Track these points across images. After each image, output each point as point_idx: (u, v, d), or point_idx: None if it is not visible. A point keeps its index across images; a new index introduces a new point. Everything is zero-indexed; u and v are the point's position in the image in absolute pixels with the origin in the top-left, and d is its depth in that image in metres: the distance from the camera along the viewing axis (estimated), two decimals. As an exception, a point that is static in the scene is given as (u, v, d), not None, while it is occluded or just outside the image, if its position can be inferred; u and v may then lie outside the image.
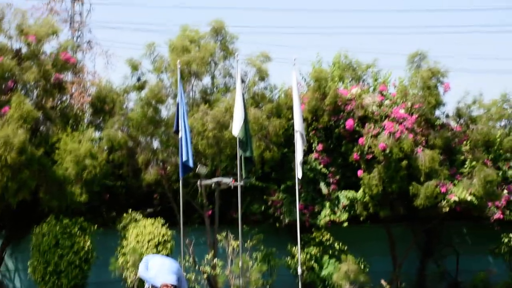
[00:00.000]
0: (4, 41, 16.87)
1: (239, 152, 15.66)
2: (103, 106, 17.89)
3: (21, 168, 15.51)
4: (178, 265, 6.00)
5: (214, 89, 18.28)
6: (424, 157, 17.62)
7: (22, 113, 15.73)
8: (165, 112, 17.89)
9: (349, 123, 18.23)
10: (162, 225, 16.79)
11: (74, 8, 22.94)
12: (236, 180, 16.03)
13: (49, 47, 17.32)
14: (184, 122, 15.55)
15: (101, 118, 18.13)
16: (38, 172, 16.03)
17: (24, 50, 17.08)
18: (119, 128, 17.38)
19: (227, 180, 16.41)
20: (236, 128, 15.49)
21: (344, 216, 18.49)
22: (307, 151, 18.53)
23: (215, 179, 16.70)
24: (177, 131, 15.68)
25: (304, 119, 17.47)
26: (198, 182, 16.84)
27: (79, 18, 22.88)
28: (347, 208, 18.55)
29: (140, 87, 18.00)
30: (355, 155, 18.19)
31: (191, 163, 15.52)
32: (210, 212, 18.11)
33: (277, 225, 18.53)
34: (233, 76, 17.96)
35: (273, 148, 17.71)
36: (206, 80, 18.22)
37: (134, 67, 17.88)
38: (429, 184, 17.59)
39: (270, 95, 18.73)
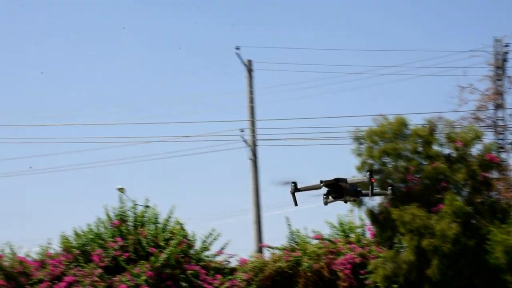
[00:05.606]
0: (436, 149, 19.89)
1: None
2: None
3: (455, 257, 17.68)
4: None
5: None
6: None
7: (454, 209, 18.10)
8: None
9: None
10: None
11: (497, 114, 25.16)
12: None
13: (475, 150, 19.79)
14: None
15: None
16: (472, 261, 17.96)
17: (453, 154, 19.78)
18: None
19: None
20: None
21: None
22: None
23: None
24: None
25: None
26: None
27: (501, 123, 24.96)
28: None
29: None
30: None
31: None
32: None
33: None
34: None
35: None
36: None
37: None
38: None
39: None
